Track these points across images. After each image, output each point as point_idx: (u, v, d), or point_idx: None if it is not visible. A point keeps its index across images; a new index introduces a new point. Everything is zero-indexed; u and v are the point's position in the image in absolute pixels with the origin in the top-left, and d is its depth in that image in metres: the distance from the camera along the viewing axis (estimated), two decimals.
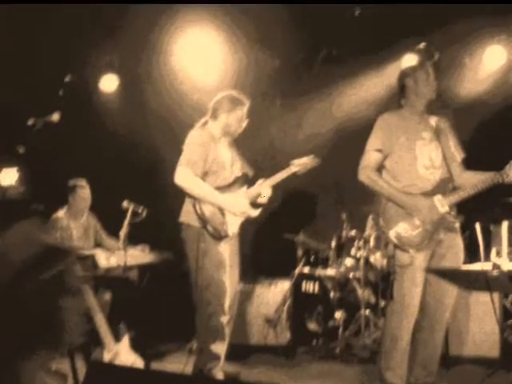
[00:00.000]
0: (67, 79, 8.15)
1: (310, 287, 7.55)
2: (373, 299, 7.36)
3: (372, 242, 7.23)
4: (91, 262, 6.54)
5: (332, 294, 7.45)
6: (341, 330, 7.18)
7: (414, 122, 5.37)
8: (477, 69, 8.20)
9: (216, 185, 5.72)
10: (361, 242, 7.29)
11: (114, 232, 6.97)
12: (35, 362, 3.88)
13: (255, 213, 5.99)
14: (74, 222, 7.45)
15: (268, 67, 8.45)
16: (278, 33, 7.59)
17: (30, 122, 5.52)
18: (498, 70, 8.13)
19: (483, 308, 6.29)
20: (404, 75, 5.48)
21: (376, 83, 8.32)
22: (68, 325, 4.17)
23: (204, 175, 5.69)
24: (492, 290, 4.75)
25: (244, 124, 5.96)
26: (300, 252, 7.70)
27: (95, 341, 5.88)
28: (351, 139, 6.77)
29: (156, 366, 6.35)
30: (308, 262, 7.79)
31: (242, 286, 6.77)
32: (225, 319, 5.67)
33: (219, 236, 5.65)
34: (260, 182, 6.06)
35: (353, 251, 7.46)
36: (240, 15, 7.39)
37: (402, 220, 5.16)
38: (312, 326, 7.40)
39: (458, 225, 5.28)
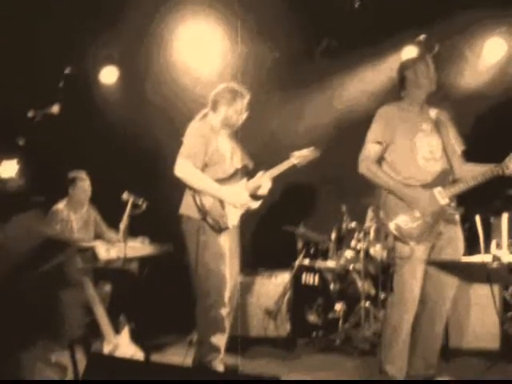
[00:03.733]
0: (67, 71, 8.11)
1: (310, 279, 7.57)
2: (373, 291, 7.36)
3: (372, 234, 7.23)
4: (91, 254, 6.54)
5: (332, 286, 7.47)
6: (341, 322, 7.20)
7: (413, 114, 5.37)
8: (477, 61, 8.18)
9: (216, 177, 5.72)
10: (361, 234, 7.29)
11: (114, 224, 6.98)
12: (35, 354, 3.89)
13: (255, 205, 5.99)
14: (74, 214, 7.45)
15: (268, 59, 8.43)
16: (278, 25, 7.58)
17: (30, 114, 5.52)
18: (498, 63, 8.13)
19: (483, 300, 6.30)
20: (404, 67, 5.48)
21: (376, 75, 8.31)
22: (68, 317, 4.18)
23: (204, 167, 5.69)
24: (492, 282, 4.77)
25: (244, 116, 5.96)
26: (300, 244, 7.70)
27: (95, 333, 5.90)
28: (351, 131, 6.76)
29: (156, 357, 6.36)
30: (308, 253, 7.79)
31: (242, 278, 6.76)
32: (225, 311, 5.67)
33: (219, 228, 5.66)
34: (260, 173, 6.06)
35: (353, 243, 7.47)
36: (240, 7, 7.38)
37: (402, 212, 5.16)
38: (312, 317, 7.42)
39: (457, 217, 5.29)
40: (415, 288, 5.18)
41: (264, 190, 6.08)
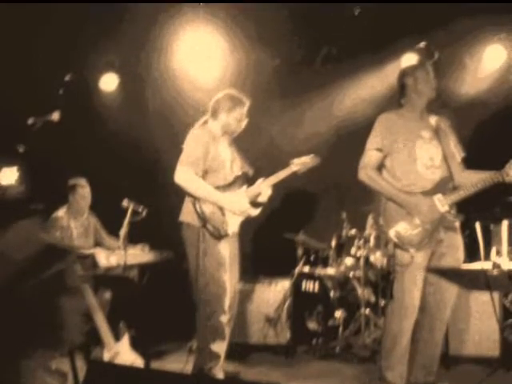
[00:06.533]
0: (67, 78, 8.15)
1: (310, 286, 7.56)
2: (373, 298, 7.36)
3: (372, 241, 7.23)
4: (91, 261, 6.53)
5: (332, 294, 7.45)
6: (341, 329, 7.18)
7: (413, 121, 5.38)
8: (477, 68, 8.18)
9: (216, 184, 5.72)
10: (361, 242, 7.29)
11: (114, 231, 6.97)
12: (35, 361, 3.89)
13: (255, 212, 5.99)
14: (74, 222, 7.45)
15: (268, 66, 8.45)
16: (278, 32, 7.59)
17: (30, 121, 5.52)
18: (498, 69, 8.13)
19: (483, 307, 6.29)
20: (404, 74, 5.49)
21: (376, 82, 8.32)
22: (68, 324, 4.17)
23: (204, 174, 5.69)
24: (492, 289, 4.76)
25: (244, 123, 5.96)
26: (300, 251, 7.69)
27: (95, 340, 5.89)
28: (351, 138, 6.77)
29: (156, 365, 6.35)
30: (308, 261, 7.78)
31: (242, 285, 6.76)
32: (225, 318, 5.67)
33: (219, 235, 5.66)
34: (260, 181, 6.05)
35: (353, 250, 7.46)
36: (240, 14, 7.39)
37: (402, 219, 5.16)
38: (312, 325, 7.41)
39: (458, 224, 5.29)
40: (415, 295, 5.18)
41: (264, 198, 6.08)
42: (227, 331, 5.75)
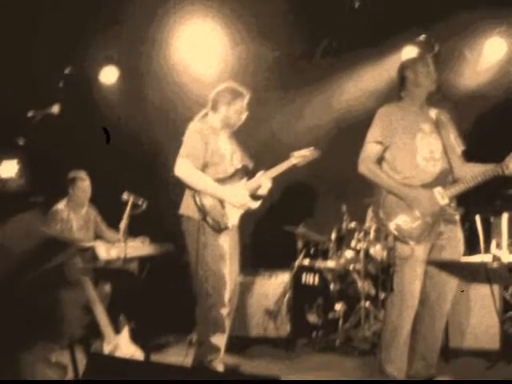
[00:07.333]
0: (67, 71, 8.14)
1: (310, 279, 7.55)
2: (373, 291, 7.36)
3: (372, 234, 7.22)
4: (91, 254, 6.54)
5: (332, 286, 7.45)
6: (341, 322, 7.18)
7: (413, 114, 5.37)
8: (477, 61, 8.17)
9: (216, 177, 5.72)
10: (361, 234, 7.29)
11: (114, 224, 6.97)
12: (35, 354, 3.89)
13: (255, 205, 5.98)
14: (74, 214, 7.45)
15: (268, 59, 8.43)
16: (278, 25, 7.57)
17: (30, 113, 5.52)
18: (498, 62, 8.12)
19: (483, 300, 6.28)
20: (404, 67, 5.48)
21: (376, 75, 8.31)
22: (68, 317, 4.17)
23: (204, 167, 5.69)
24: (492, 282, 4.75)
25: (244, 116, 5.96)
26: (300, 244, 7.69)
27: (95, 333, 5.90)
28: (351, 131, 6.77)
29: (156, 357, 6.36)
30: (308, 254, 7.78)
31: (242, 278, 6.75)
32: (225, 311, 5.67)
33: (219, 228, 5.65)
34: (260, 173, 6.05)
35: (353, 243, 7.46)
36: (240, 7, 7.38)
37: (402, 212, 5.15)
38: (312, 318, 7.40)
39: (458, 217, 5.28)
40: (415, 288, 5.18)
41: (264, 190, 6.07)
42: (227, 324, 5.75)
